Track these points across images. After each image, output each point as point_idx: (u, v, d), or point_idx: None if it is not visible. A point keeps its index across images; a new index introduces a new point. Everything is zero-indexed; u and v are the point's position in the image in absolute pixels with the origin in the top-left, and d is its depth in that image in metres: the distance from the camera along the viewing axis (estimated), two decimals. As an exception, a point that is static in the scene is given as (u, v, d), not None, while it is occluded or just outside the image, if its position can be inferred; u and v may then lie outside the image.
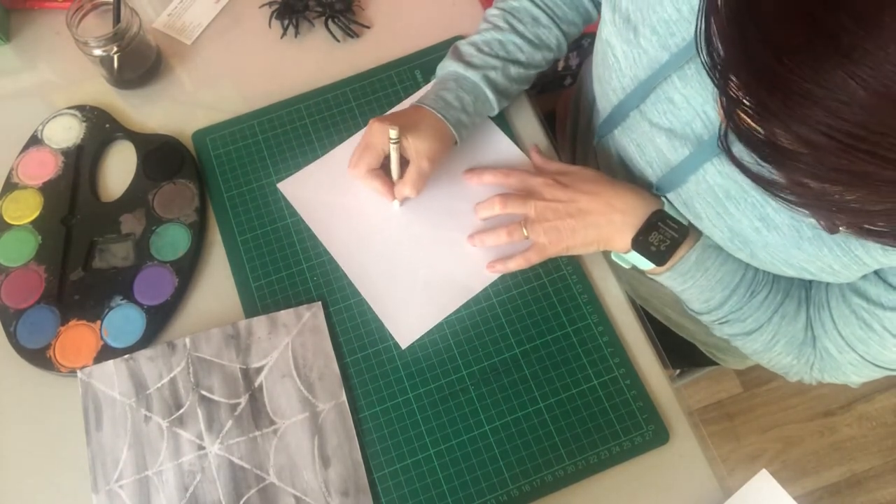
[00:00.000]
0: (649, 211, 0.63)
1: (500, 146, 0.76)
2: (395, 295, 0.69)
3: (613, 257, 0.68)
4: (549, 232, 0.65)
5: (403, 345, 0.67)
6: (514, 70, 0.72)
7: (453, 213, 0.72)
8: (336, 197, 0.73)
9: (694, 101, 0.58)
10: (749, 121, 0.36)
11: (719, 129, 0.41)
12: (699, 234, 0.63)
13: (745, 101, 0.36)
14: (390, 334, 0.68)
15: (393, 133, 0.65)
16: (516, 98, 0.78)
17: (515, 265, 0.68)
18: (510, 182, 0.70)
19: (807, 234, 0.54)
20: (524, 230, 0.67)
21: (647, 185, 0.67)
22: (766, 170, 0.38)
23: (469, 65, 0.71)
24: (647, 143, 0.64)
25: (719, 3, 0.36)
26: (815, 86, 0.32)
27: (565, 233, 0.65)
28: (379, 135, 0.67)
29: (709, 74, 0.38)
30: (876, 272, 0.55)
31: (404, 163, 0.69)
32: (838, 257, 0.54)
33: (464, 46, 0.73)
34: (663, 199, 0.64)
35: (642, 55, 0.60)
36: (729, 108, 0.37)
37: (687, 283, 0.64)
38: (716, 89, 0.38)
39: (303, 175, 0.74)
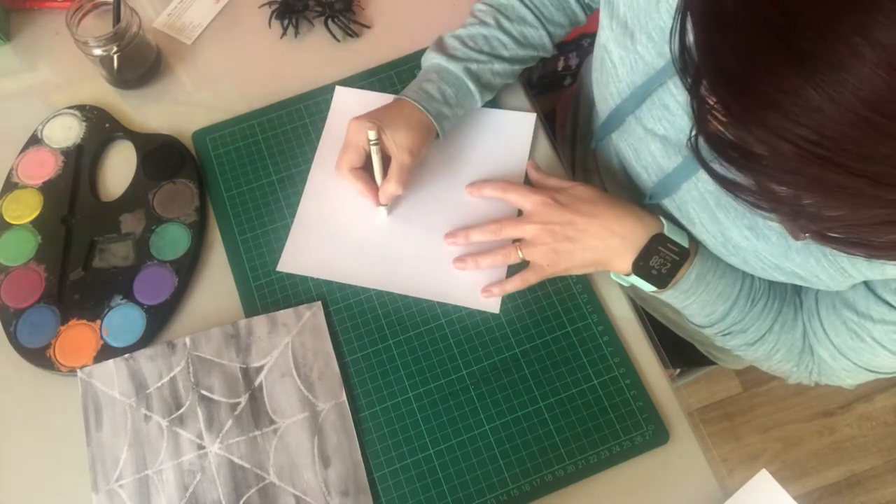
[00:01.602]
0: (648, 235, 0.62)
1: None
2: (447, 274, 0.69)
3: (613, 277, 0.67)
4: (547, 255, 0.64)
5: (497, 309, 0.68)
6: (497, 65, 0.72)
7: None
8: (332, 242, 0.72)
9: (689, 109, 0.58)
10: (717, 124, 0.37)
11: (689, 133, 0.41)
12: (697, 248, 0.62)
13: (713, 104, 0.36)
14: (478, 311, 0.68)
15: (371, 134, 0.65)
16: (517, 99, 0.78)
17: (513, 286, 0.67)
18: (508, 197, 0.68)
19: (795, 244, 0.54)
20: (520, 252, 0.66)
21: (644, 189, 0.67)
22: (732, 172, 0.38)
23: (452, 57, 0.70)
24: (643, 148, 0.64)
25: (693, 8, 0.37)
26: (774, 90, 0.32)
27: (563, 255, 0.64)
28: (357, 133, 0.67)
29: (681, 77, 0.38)
30: (865, 283, 0.56)
31: (388, 161, 0.68)
32: (825, 268, 0.54)
33: (448, 39, 0.72)
34: (662, 221, 0.63)
35: (638, 61, 0.60)
36: (699, 111, 0.38)
37: (689, 300, 0.63)
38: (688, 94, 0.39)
39: (290, 246, 0.72)
